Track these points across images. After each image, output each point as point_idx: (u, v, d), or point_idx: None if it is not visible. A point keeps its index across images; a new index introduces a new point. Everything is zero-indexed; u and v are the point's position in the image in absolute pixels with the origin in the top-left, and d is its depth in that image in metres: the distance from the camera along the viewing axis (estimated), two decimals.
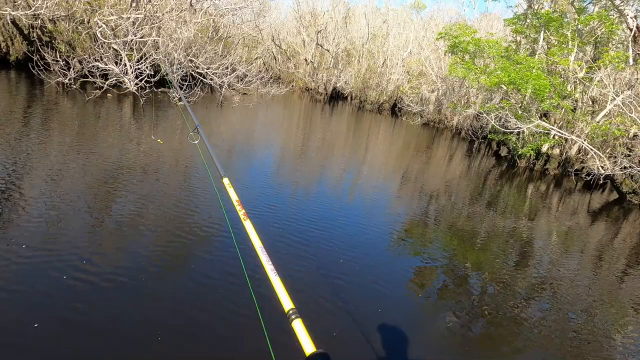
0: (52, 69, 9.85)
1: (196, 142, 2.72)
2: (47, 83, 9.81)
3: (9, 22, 10.85)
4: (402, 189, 7.94)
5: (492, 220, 6.80)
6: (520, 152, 12.32)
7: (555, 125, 11.81)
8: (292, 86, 23.46)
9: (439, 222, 6.20)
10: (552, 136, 11.87)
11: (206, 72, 12.76)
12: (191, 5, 14.53)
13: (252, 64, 17.03)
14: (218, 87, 13.00)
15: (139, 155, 6.21)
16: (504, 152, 14.21)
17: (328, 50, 23.79)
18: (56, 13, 10.53)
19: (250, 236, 1.42)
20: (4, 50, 11.48)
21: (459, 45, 13.45)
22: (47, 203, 4.01)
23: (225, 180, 1.88)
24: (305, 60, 24.19)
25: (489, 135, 14.34)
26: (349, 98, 24.04)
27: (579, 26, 11.40)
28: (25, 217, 3.64)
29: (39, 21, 10.94)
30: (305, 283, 3.59)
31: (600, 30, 11.61)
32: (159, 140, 4.86)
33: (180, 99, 10.94)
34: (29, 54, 10.80)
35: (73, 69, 9.95)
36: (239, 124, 11.42)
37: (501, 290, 4.24)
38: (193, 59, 12.57)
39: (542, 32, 12.32)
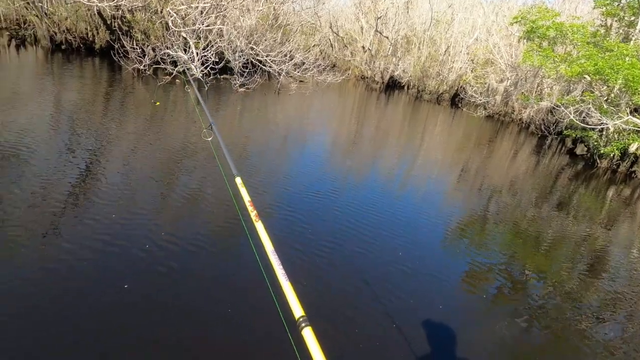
0: (129, 56, 10.75)
1: (210, 139, 2.65)
2: (125, 69, 10.74)
3: (96, 13, 12.00)
4: (459, 184, 7.50)
5: (562, 224, 6.16)
6: (602, 151, 10.96)
7: None
8: (348, 74, 23.15)
9: (499, 221, 5.76)
10: None
11: (265, 60, 13.05)
12: None
13: (309, 51, 17.07)
14: (276, 74, 13.24)
15: (200, 138, 6.57)
16: (580, 150, 12.76)
17: (387, 37, 23.00)
18: (134, 4, 11.41)
19: (261, 238, 1.37)
20: (90, 39, 12.76)
21: (536, 31, 12.17)
22: (121, 178, 4.42)
23: (238, 180, 1.84)
24: (363, 47, 23.66)
25: (564, 131, 12.94)
26: (406, 87, 23.14)
27: None
28: (109, 190, 4.04)
29: (120, 12, 11.94)
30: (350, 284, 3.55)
31: None
32: (156, 102, 4.95)
33: (241, 86, 11.35)
34: (111, 42, 11.89)
35: (147, 56, 10.77)
36: (295, 111, 11.58)
37: (567, 302, 3.83)
38: (254, 46, 12.91)
39: None
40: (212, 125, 2.63)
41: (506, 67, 17.27)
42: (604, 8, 12.01)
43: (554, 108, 13.99)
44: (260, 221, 1.46)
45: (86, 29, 12.61)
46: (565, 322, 3.47)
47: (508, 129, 16.17)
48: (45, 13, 11.78)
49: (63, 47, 12.23)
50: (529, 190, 7.90)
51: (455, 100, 20.92)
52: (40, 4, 11.64)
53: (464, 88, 19.60)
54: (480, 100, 18.17)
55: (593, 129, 11.06)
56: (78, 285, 2.67)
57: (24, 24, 12.34)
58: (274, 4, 16.46)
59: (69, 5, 11.81)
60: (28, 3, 11.60)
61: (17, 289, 2.52)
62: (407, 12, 23.86)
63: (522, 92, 16.12)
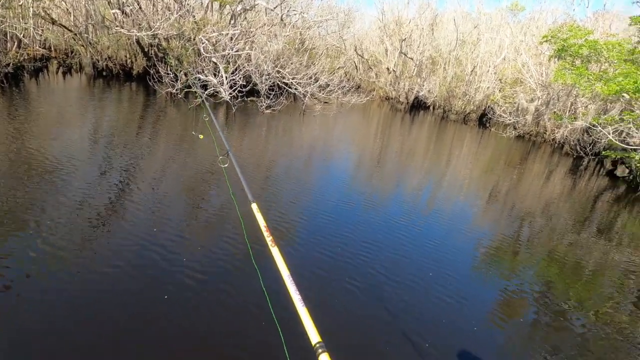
0: (163, 81, 11.36)
1: (225, 165, 2.65)
2: (159, 93, 11.33)
3: (134, 42, 12.86)
4: (489, 206, 7.19)
5: (604, 252, 5.72)
6: None
7: None
8: (373, 95, 23.31)
9: (533, 247, 5.43)
10: None
11: (291, 82, 13.39)
12: (282, 19, 15.50)
13: (334, 73, 17.39)
14: (302, 96, 13.53)
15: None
16: (621, 171, 12.00)
17: (412, 59, 23.12)
18: (170, 32, 12.15)
19: (277, 263, 1.36)
20: (129, 65, 13.63)
21: (568, 49, 11.83)
22: (152, 195, 4.55)
23: (254, 206, 1.83)
24: (387, 69, 23.86)
25: (603, 152, 12.27)
26: (431, 107, 22.97)
27: None
28: (133, 207, 4.17)
29: (156, 40, 12.74)
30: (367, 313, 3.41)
31: None
32: (200, 135, 5.10)
33: (267, 107, 11.65)
34: (147, 68, 12.63)
35: (179, 81, 11.34)
36: (319, 132, 11.69)
37: (614, 337, 3.49)
38: (280, 69, 13.31)
39: None
40: (228, 152, 2.66)
41: (537, 86, 16.81)
42: None
43: (590, 128, 13.35)
44: (276, 246, 1.44)
45: (125, 56, 13.51)
46: (610, 357, 3.15)
47: (540, 149, 15.55)
48: (90, 43, 12.75)
49: (104, 73, 13.12)
50: (566, 215, 7.45)
51: (483, 120, 20.49)
52: (86, 35, 12.63)
53: (491, 108, 19.20)
54: (509, 120, 17.68)
55: (635, 150, 10.41)
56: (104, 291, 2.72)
57: (71, 53, 13.39)
58: (300, 29, 17.05)
59: (111, 35, 12.74)
60: (75, 34, 12.61)
61: (56, 297, 2.60)
62: (432, 33, 23.98)
63: (555, 112, 15.54)
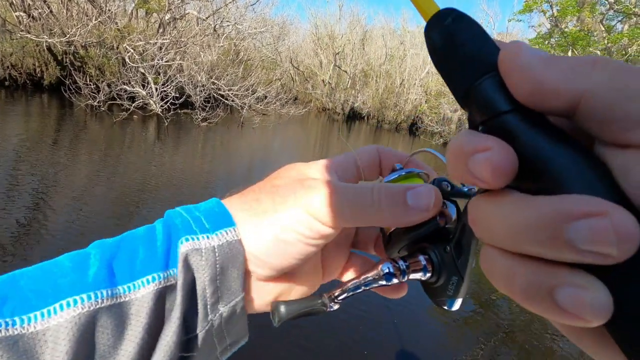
0: (82, 92, 10.25)
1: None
2: (77, 105, 10.18)
3: (45, 49, 11.47)
4: None
5: None
6: None
7: None
8: (310, 106, 23.71)
9: None
10: None
11: (228, 94, 13.04)
12: (215, 30, 15.09)
13: (271, 85, 17.35)
14: (239, 108, 13.23)
15: (161, 175, 6.24)
16: None
17: (346, 72, 24.09)
18: (88, 40, 11.07)
19: None
20: (38, 75, 12.07)
21: None
22: (72, 221, 4.01)
23: None
24: (323, 81, 24.53)
25: None
26: (366, 118, 24.09)
27: (609, 44, 11.11)
28: (51, 236, 3.62)
29: (72, 47, 11.51)
30: None
31: (632, 48, 11.27)
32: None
33: (203, 120, 11.13)
34: (61, 78, 11.32)
35: (102, 92, 10.33)
36: (258, 144, 11.50)
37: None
38: (215, 81, 12.90)
39: (570, 51, 12.07)
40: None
41: None
42: (537, 46, 13.45)
43: None
44: None
45: (34, 64, 11.96)
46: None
47: None
48: None
49: (6, 83, 11.44)
50: None
51: (413, 129, 22.04)
52: None
53: (420, 118, 20.76)
54: (436, 129, 19.26)
55: None
56: None
57: None
58: (234, 41, 16.76)
59: (14, 40, 11.22)
60: None
61: None
62: (363, 48, 25.31)
63: None
